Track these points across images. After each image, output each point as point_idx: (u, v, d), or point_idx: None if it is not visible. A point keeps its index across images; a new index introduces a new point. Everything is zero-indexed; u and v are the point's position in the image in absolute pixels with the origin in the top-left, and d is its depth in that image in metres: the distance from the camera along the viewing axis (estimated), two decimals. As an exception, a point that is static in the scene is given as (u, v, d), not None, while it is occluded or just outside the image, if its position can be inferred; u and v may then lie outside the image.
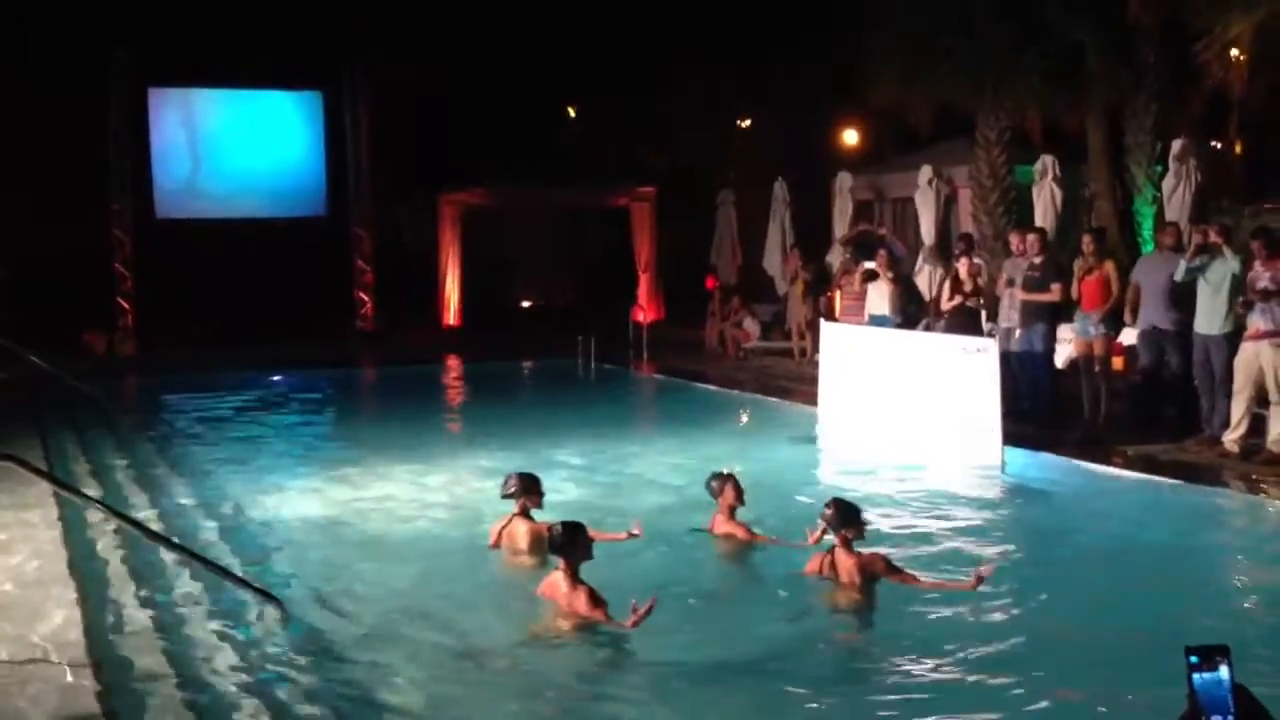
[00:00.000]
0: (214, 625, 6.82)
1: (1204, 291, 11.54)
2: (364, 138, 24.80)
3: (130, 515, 8.56)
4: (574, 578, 6.79)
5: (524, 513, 8.31)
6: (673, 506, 9.96)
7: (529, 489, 8.36)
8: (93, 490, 9.90)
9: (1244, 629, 6.83)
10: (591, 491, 10.54)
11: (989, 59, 17.45)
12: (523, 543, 8.21)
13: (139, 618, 6.89)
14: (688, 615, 7.03)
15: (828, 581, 7.43)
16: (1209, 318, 11.51)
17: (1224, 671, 2.19)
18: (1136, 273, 12.74)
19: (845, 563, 7.33)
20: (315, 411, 16.65)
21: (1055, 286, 13.01)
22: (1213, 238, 11.58)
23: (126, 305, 23.02)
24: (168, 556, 7.85)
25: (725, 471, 8.89)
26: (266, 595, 7.10)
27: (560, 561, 6.87)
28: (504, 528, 8.36)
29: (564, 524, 6.97)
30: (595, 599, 6.67)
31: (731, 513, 8.57)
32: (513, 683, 6.17)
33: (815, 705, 5.89)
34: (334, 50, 23.84)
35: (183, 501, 10.23)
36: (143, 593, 7.34)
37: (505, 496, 8.42)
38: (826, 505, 7.59)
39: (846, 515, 7.47)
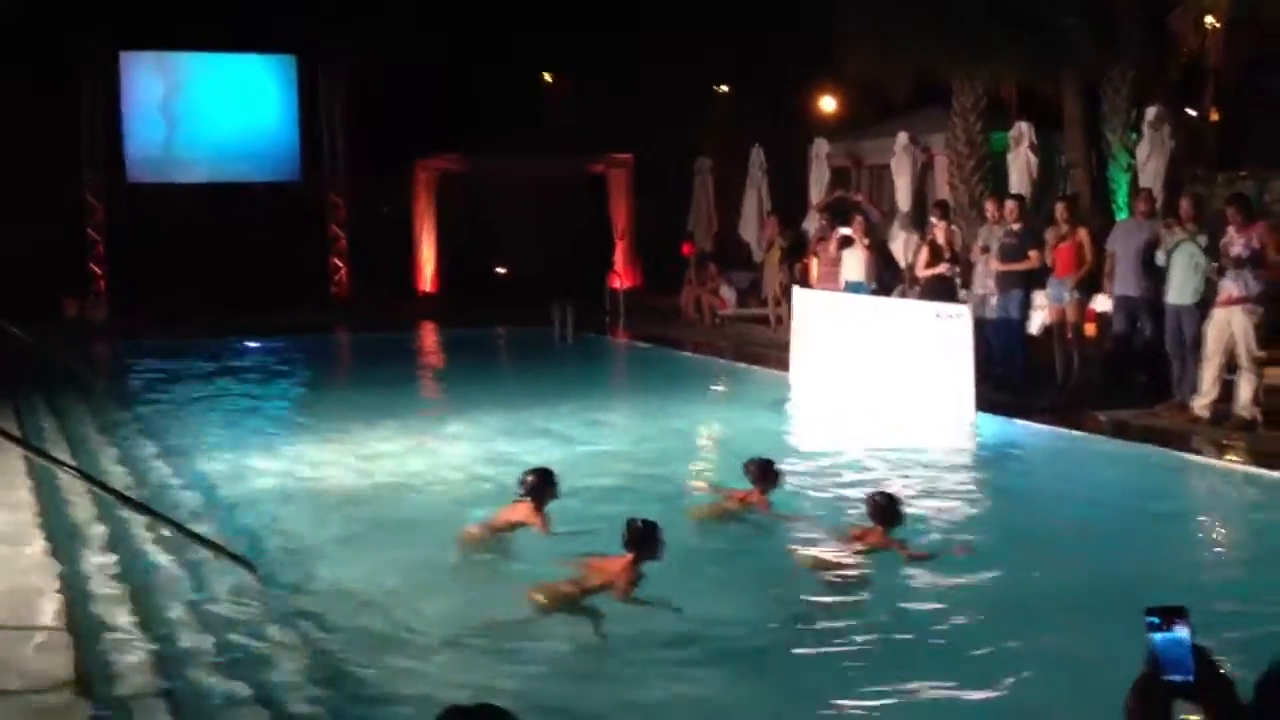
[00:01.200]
0: (188, 589, 6.82)
1: (1175, 264, 11.62)
2: (339, 103, 24.64)
3: (103, 480, 8.53)
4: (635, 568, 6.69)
5: (538, 509, 7.83)
6: (647, 472, 10.00)
7: (545, 485, 7.89)
8: (65, 456, 9.86)
9: (1208, 591, 6.90)
10: (566, 457, 10.55)
11: (964, 28, 17.40)
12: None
13: (113, 582, 6.88)
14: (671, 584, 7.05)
15: (823, 552, 7.50)
16: (1180, 288, 11.60)
17: (1183, 632, 2.21)
18: (1111, 240, 12.81)
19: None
20: (288, 377, 16.60)
21: (1033, 254, 13.06)
22: (1177, 230, 11.62)
23: (98, 270, 22.89)
24: (141, 521, 7.83)
25: (766, 459, 8.69)
26: (240, 559, 7.09)
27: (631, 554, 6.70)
28: (511, 518, 7.92)
29: (643, 522, 6.79)
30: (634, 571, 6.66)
31: (764, 493, 8.49)
32: (480, 644, 6.18)
33: (798, 669, 5.94)
34: (308, 13, 23.63)
35: (155, 466, 10.20)
36: (117, 557, 7.33)
37: (523, 494, 7.88)
38: (876, 496, 7.78)
39: (894, 511, 7.64)
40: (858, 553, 7.43)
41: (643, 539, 6.76)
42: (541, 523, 7.69)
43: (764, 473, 8.53)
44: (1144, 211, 12.64)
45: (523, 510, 7.86)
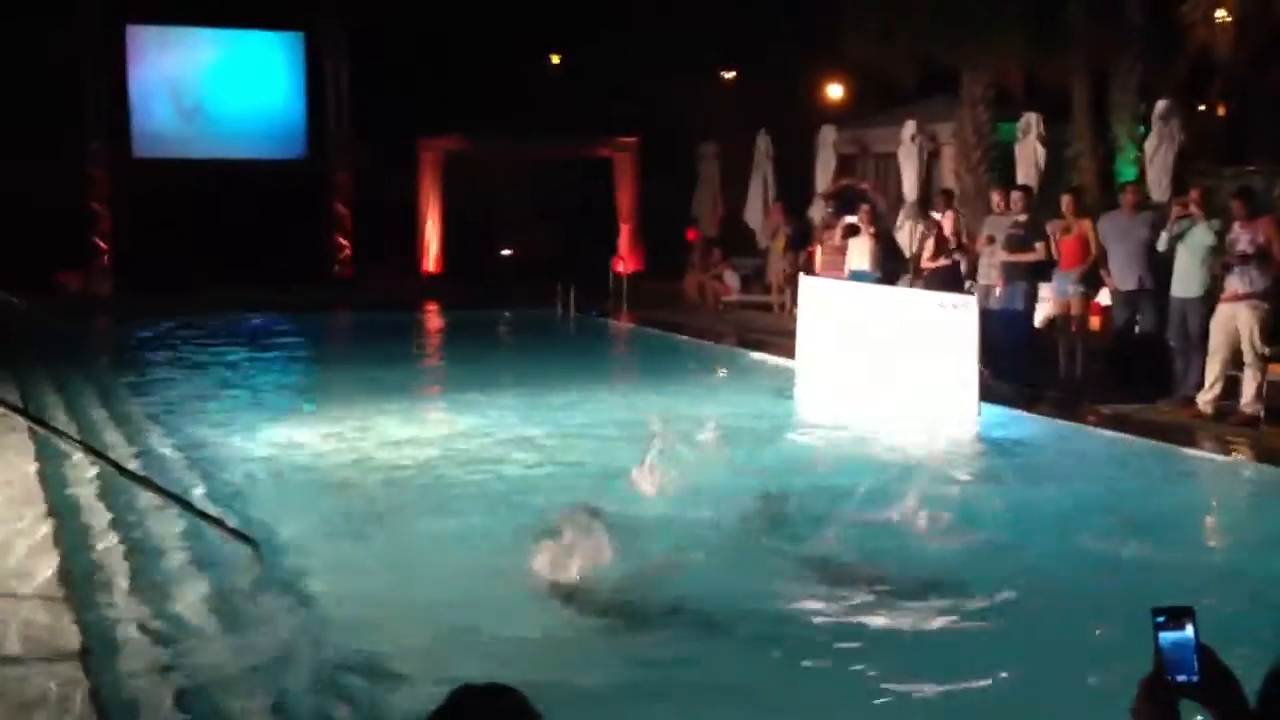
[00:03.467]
0: (188, 564, 6.83)
1: (1182, 255, 11.58)
2: (345, 80, 24.58)
3: (105, 454, 8.55)
4: None
5: None
6: (642, 454, 10.00)
7: None
8: (67, 427, 9.86)
9: (1211, 589, 6.90)
10: (566, 440, 10.58)
11: (967, 16, 17.34)
12: None
13: (115, 556, 6.90)
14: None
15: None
16: (1186, 280, 11.56)
17: (1189, 632, 2.21)
18: (1103, 234, 12.74)
19: None
20: (290, 355, 16.60)
21: (1039, 245, 13.03)
22: (1192, 208, 11.60)
23: (102, 245, 22.86)
24: (143, 495, 7.85)
25: None
26: (240, 535, 7.11)
27: None
28: None
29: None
30: None
31: None
32: (487, 626, 6.19)
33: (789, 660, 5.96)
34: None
35: (157, 441, 10.20)
36: (118, 531, 7.34)
37: None
38: None
39: None
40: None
41: None
42: None
43: None
44: (1131, 204, 12.51)
45: None
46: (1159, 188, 15.79)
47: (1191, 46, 18.78)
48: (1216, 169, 17.11)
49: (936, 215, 15.38)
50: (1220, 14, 18.46)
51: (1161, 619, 2.22)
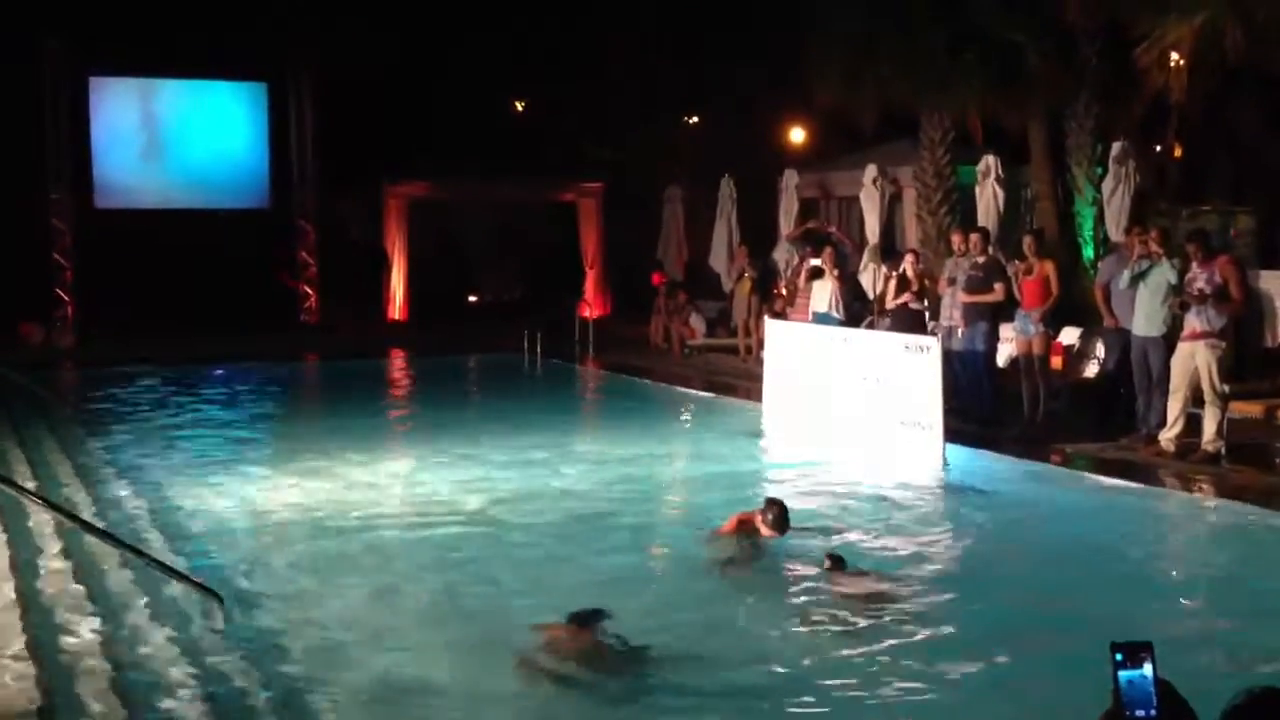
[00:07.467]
0: (153, 620, 6.77)
1: (1142, 294, 11.70)
2: (308, 129, 24.60)
3: (68, 509, 8.47)
4: None
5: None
6: (616, 501, 10.00)
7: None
8: (30, 484, 9.77)
9: (1172, 625, 6.95)
10: (534, 487, 10.55)
11: (928, 60, 17.57)
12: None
13: (78, 612, 6.83)
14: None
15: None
16: (1146, 319, 11.67)
17: (1148, 667, 2.24)
18: (1104, 274, 12.87)
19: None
20: (256, 405, 16.51)
21: (998, 286, 13.13)
22: (1153, 247, 11.73)
23: (65, 296, 22.72)
24: (106, 551, 7.77)
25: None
26: (205, 589, 7.05)
27: None
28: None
29: None
30: None
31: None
32: (449, 680, 6.16)
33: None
34: (279, 41, 23.63)
35: (121, 495, 10.11)
36: (81, 587, 7.27)
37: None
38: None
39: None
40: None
41: None
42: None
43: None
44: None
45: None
46: (1117, 228, 15.99)
47: (1146, 89, 19.06)
48: (1173, 209, 17.34)
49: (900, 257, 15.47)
50: (1174, 57, 18.75)
51: (1121, 655, 2.25)
